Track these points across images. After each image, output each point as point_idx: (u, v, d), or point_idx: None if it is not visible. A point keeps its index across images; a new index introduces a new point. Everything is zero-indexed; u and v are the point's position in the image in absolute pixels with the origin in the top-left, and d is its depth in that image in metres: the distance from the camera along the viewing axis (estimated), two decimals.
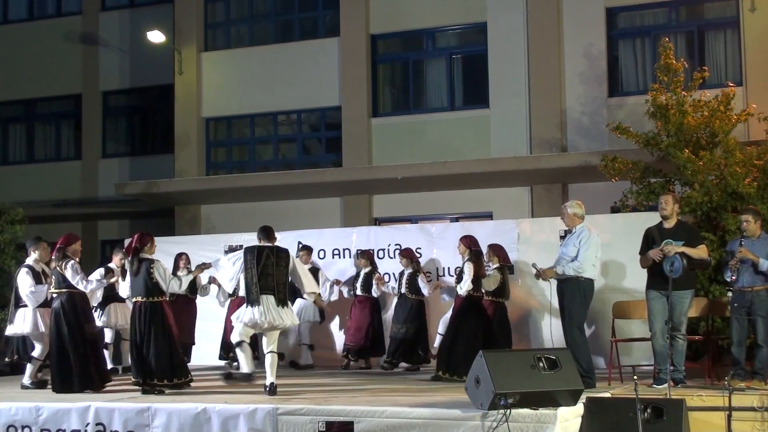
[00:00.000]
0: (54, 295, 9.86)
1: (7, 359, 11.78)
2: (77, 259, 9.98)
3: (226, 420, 7.75)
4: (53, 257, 9.96)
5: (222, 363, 12.89)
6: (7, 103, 21.22)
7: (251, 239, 13.73)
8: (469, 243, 10.53)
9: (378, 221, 17.03)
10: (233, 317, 9.41)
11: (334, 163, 17.85)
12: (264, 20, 19.01)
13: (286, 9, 18.77)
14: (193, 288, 12.53)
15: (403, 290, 12.10)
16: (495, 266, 11.03)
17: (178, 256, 12.73)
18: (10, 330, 10.47)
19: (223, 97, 18.66)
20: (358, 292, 12.36)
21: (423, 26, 17.42)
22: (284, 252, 9.28)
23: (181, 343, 11.57)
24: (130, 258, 9.64)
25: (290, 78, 17.98)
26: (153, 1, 20.25)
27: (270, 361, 9.01)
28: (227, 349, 12.71)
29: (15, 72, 20.82)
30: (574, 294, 8.88)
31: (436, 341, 11.80)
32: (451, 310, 11.46)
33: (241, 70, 18.60)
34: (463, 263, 10.41)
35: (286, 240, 13.55)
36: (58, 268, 9.79)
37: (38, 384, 10.27)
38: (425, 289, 12.03)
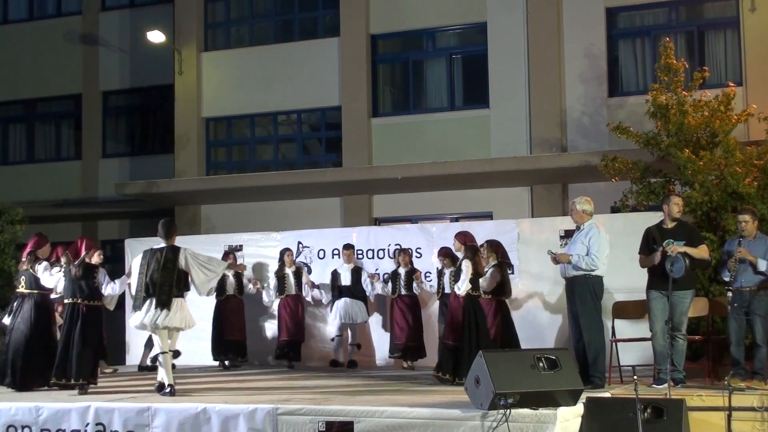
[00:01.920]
0: (25, 296, 10.18)
1: None
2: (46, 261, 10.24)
3: (226, 420, 7.75)
4: (24, 259, 10.23)
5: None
6: (7, 103, 21.21)
7: (251, 239, 13.87)
8: (465, 239, 10.11)
9: (378, 221, 17.02)
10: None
11: (334, 163, 17.85)
12: (264, 20, 19.00)
13: (286, 9, 18.76)
14: (241, 288, 12.90)
15: (403, 290, 12.28)
16: (493, 263, 10.64)
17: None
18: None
19: (223, 97, 18.66)
20: (403, 291, 12.29)
21: (423, 26, 17.42)
22: (174, 252, 9.15)
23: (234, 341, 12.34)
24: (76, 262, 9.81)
25: (290, 78, 17.97)
26: (153, 1, 20.23)
27: (162, 360, 9.08)
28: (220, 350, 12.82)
29: (15, 72, 20.81)
30: (585, 293, 8.87)
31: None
32: (438, 311, 11.47)
33: (241, 70, 18.60)
34: (460, 261, 9.98)
35: (286, 240, 13.61)
36: (30, 270, 10.09)
37: None
38: (416, 289, 12.22)
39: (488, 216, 15.95)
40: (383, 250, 13.05)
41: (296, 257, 13.28)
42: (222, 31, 19.27)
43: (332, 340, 12.85)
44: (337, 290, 12.66)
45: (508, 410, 6.73)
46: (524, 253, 11.94)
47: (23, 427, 8.41)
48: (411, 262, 12.45)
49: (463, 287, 9.71)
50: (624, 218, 12.12)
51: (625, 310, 10.29)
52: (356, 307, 12.53)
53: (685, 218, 10.55)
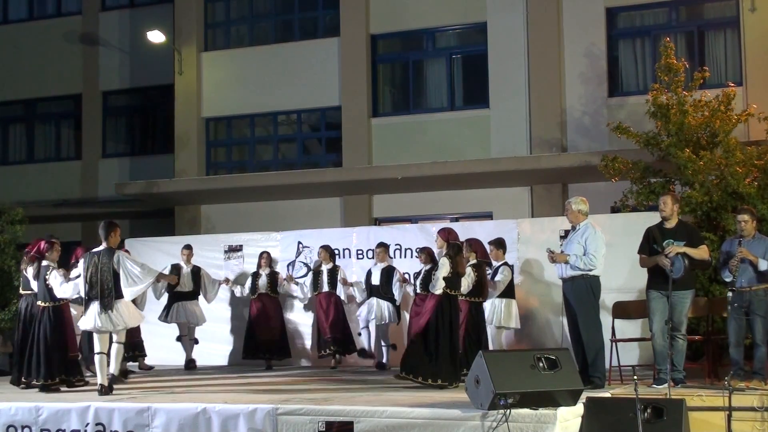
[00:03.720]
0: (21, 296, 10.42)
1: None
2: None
3: (226, 420, 7.74)
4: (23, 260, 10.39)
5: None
6: (7, 103, 21.21)
7: (251, 239, 13.86)
8: (448, 236, 9.73)
9: (378, 221, 17.02)
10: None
11: (334, 163, 17.85)
12: (264, 20, 19.00)
13: (286, 9, 18.75)
14: (274, 286, 12.90)
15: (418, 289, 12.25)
16: (472, 262, 10.27)
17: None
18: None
19: (223, 97, 18.65)
20: (419, 290, 11.75)
21: (423, 26, 17.41)
22: (109, 255, 9.34)
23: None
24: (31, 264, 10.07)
25: (290, 78, 17.97)
26: (153, 1, 20.23)
27: (115, 349, 9.40)
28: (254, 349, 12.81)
29: (15, 72, 20.80)
30: (583, 293, 8.86)
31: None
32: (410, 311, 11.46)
33: (241, 70, 18.59)
34: (440, 258, 9.70)
35: (286, 240, 13.62)
36: (23, 272, 10.26)
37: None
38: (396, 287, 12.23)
39: (488, 216, 15.95)
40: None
41: (296, 257, 13.29)
42: (222, 31, 19.26)
43: (359, 334, 12.75)
44: (368, 289, 12.54)
45: (508, 410, 6.73)
46: (524, 253, 11.94)
47: (23, 427, 8.40)
48: (434, 260, 11.51)
49: (437, 285, 9.43)
50: (624, 218, 12.12)
51: (625, 310, 10.29)
52: (380, 306, 12.38)
53: (685, 218, 10.56)
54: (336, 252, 13.15)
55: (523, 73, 16.35)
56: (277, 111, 18.54)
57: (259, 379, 11.05)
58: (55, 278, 9.76)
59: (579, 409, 7.15)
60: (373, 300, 12.37)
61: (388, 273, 12.41)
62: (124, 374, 9.56)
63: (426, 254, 11.60)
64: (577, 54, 16.03)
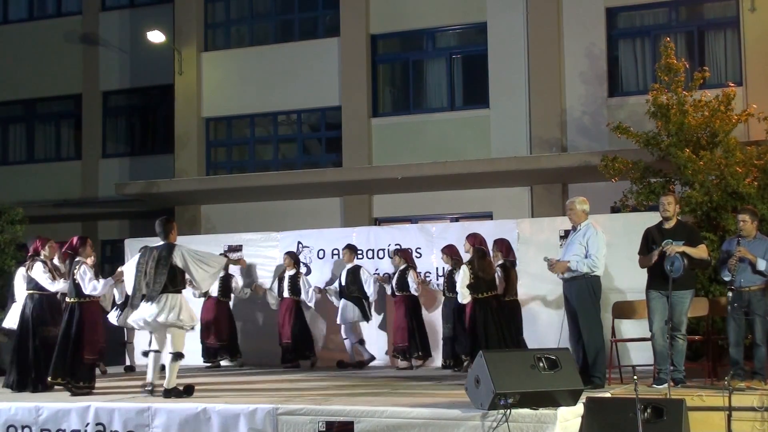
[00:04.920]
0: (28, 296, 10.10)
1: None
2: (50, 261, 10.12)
3: (226, 420, 7.75)
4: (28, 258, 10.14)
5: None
6: (7, 103, 21.21)
7: (251, 239, 13.86)
8: (474, 241, 10.41)
9: (378, 221, 17.03)
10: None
11: (334, 163, 17.85)
12: (264, 20, 19.00)
13: (286, 9, 18.76)
14: (226, 290, 12.88)
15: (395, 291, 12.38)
16: (499, 263, 10.85)
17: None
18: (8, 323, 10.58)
19: (223, 97, 18.66)
20: (396, 291, 12.29)
21: (423, 26, 17.42)
22: (168, 250, 9.00)
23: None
24: (65, 261, 9.82)
25: (290, 78, 17.97)
26: (153, 1, 20.24)
27: (168, 361, 8.93)
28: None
29: (15, 72, 20.81)
30: (584, 293, 8.85)
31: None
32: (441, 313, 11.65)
33: (241, 70, 18.60)
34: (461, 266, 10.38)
35: (286, 240, 13.61)
36: (27, 270, 10.02)
37: None
38: (413, 287, 12.16)
39: (488, 216, 15.95)
40: (383, 250, 13.03)
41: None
42: (222, 31, 19.27)
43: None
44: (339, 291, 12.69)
45: (508, 410, 6.73)
46: (524, 253, 11.92)
47: (23, 427, 8.41)
48: (409, 262, 12.40)
49: (462, 294, 10.15)
50: (624, 218, 12.11)
51: (625, 310, 10.28)
52: (349, 306, 12.49)
53: (685, 218, 10.56)
54: (335, 252, 13.18)
55: (523, 73, 16.35)
56: (277, 111, 18.55)
57: (259, 379, 11.05)
58: (84, 274, 9.46)
59: (579, 409, 7.15)
60: (342, 301, 12.50)
61: (354, 273, 12.52)
62: (188, 390, 8.86)
63: (447, 255, 11.79)
64: (577, 54, 16.04)
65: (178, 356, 8.95)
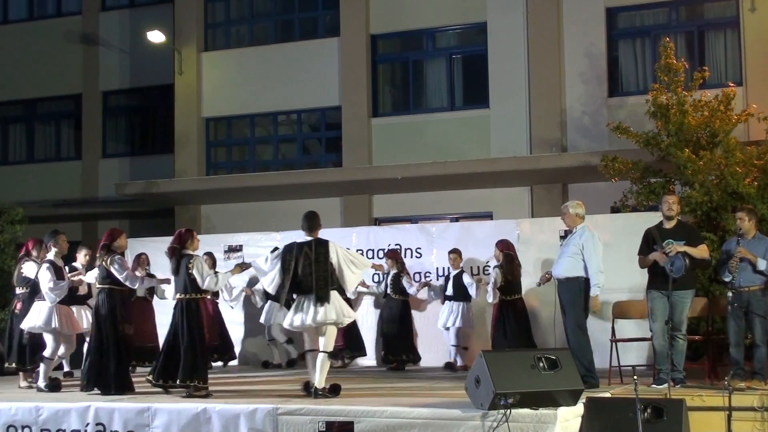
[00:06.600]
0: (96, 291, 9.66)
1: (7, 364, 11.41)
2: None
3: (226, 420, 7.75)
4: (98, 254, 9.61)
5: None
6: (7, 103, 21.21)
7: (251, 239, 13.84)
8: (503, 247, 11.23)
9: (378, 221, 17.02)
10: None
11: (334, 163, 17.85)
12: (264, 20, 19.00)
13: (286, 9, 18.76)
14: (152, 290, 12.28)
15: (388, 291, 12.36)
16: (495, 264, 11.31)
17: (137, 257, 12.56)
18: (23, 324, 10.02)
19: (223, 97, 18.66)
20: (393, 295, 12.36)
21: (423, 26, 17.42)
22: (324, 245, 8.70)
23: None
24: (171, 257, 9.21)
25: (290, 78, 17.97)
26: (153, 1, 20.24)
27: (320, 360, 8.52)
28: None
29: (15, 72, 20.80)
30: (577, 293, 8.87)
31: (452, 353, 12.08)
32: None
33: (241, 70, 18.60)
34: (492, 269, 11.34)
35: (285, 240, 13.56)
36: (103, 264, 9.44)
37: (52, 386, 9.80)
38: (411, 289, 12.14)
39: (488, 216, 15.96)
40: (383, 250, 13.02)
41: None
42: (222, 31, 19.27)
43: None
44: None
45: (508, 410, 6.73)
46: (524, 253, 11.92)
47: (23, 427, 8.40)
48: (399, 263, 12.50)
49: (489, 295, 11.24)
50: (624, 218, 12.12)
51: (625, 310, 10.28)
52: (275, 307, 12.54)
53: (685, 218, 10.57)
54: None
55: (523, 73, 16.35)
56: (277, 111, 18.55)
57: (259, 379, 11.04)
58: (121, 265, 9.26)
59: (579, 409, 7.15)
60: (268, 303, 12.67)
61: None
62: (334, 390, 8.57)
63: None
64: (577, 54, 16.03)
65: (330, 355, 8.68)
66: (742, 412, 7.63)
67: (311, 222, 8.87)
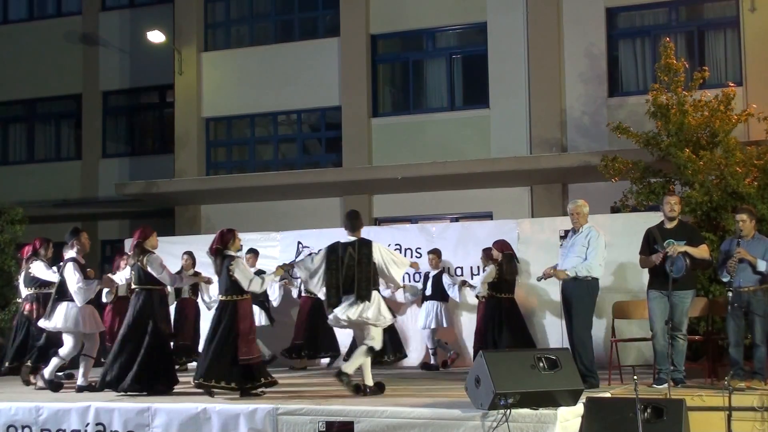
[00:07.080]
0: (135, 291, 9.48)
1: (7, 364, 11.20)
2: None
3: (226, 420, 7.74)
4: (131, 252, 9.50)
5: None
6: (7, 103, 21.22)
7: (251, 239, 13.80)
8: (501, 247, 11.26)
9: (378, 221, 17.03)
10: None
11: (334, 163, 17.85)
12: (264, 20, 19.01)
13: (286, 9, 18.77)
14: (195, 288, 12.48)
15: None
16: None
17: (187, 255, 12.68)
18: (46, 324, 9.73)
19: (223, 97, 18.66)
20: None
21: (423, 26, 17.42)
22: (367, 246, 8.77)
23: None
24: (214, 257, 9.19)
25: (290, 78, 17.98)
26: (153, 1, 20.25)
27: (358, 351, 8.59)
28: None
29: (15, 72, 20.81)
30: (582, 293, 8.86)
31: (431, 353, 12.16)
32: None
33: (241, 70, 18.60)
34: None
35: (286, 240, 13.60)
36: (139, 264, 9.32)
37: (54, 385, 9.71)
38: (386, 291, 12.11)
39: (488, 216, 15.96)
40: None
41: (296, 257, 13.25)
42: (222, 31, 19.27)
43: None
44: None
45: (508, 410, 6.72)
46: (524, 253, 11.93)
47: (23, 427, 8.39)
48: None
49: (477, 290, 11.36)
50: (624, 218, 12.12)
51: (625, 310, 10.27)
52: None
53: (685, 218, 10.56)
54: None
55: (523, 73, 16.35)
56: (277, 111, 18.56)
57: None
58: (158, 263, 9.18)
59: (579, 409, 7.15)
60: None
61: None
62: (380, 387, 8.57)
63: (485, 256, 11.84)
64: (577, 54, 16.04)
65: (373, 352, 8.70)
66: (742, 412, 7.63)
67: (354, 221, 8.94)
